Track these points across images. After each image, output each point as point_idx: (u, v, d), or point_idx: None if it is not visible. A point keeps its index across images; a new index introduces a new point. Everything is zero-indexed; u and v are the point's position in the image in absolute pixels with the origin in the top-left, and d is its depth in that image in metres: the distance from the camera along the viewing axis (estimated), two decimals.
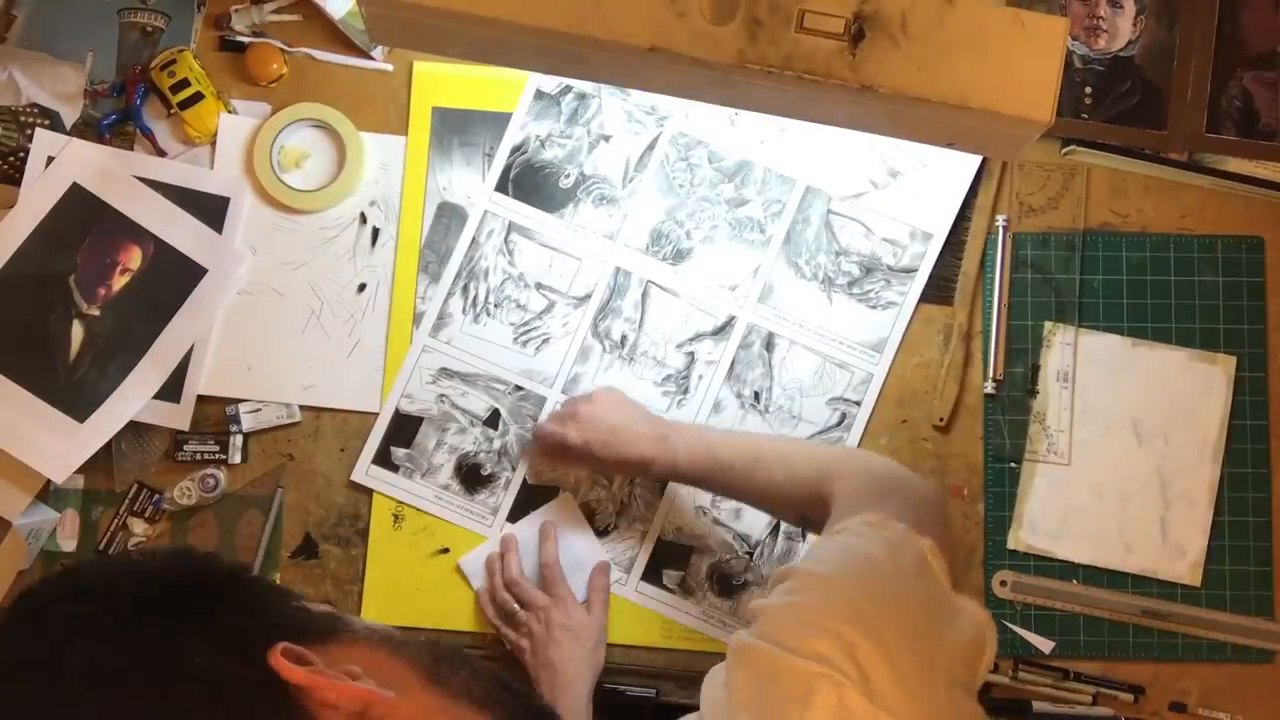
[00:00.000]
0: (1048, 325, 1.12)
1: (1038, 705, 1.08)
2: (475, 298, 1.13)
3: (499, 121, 1.15)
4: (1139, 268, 1.12)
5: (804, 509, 0.90)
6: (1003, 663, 1.09)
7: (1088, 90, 1.12)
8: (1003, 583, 1.09)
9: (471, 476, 1.12)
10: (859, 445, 1.11)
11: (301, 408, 1.13)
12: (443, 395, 1.13)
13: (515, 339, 1.13)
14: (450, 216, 1.14)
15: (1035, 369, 1.11)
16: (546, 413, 1.12)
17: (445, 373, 1.13)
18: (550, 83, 1.14)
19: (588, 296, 1.13)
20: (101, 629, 0.55)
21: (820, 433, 1.11)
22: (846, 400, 1.12)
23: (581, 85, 1.14)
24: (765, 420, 1.12)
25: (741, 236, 1.13)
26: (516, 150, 1.14)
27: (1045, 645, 1.09)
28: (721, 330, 1.13)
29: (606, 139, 1.14)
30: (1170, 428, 1.10)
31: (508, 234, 1.14)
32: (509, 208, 1.14)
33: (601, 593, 1.09)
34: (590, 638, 1.05)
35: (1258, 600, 1.09)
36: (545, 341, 1.13)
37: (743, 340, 1.13)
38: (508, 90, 1.15)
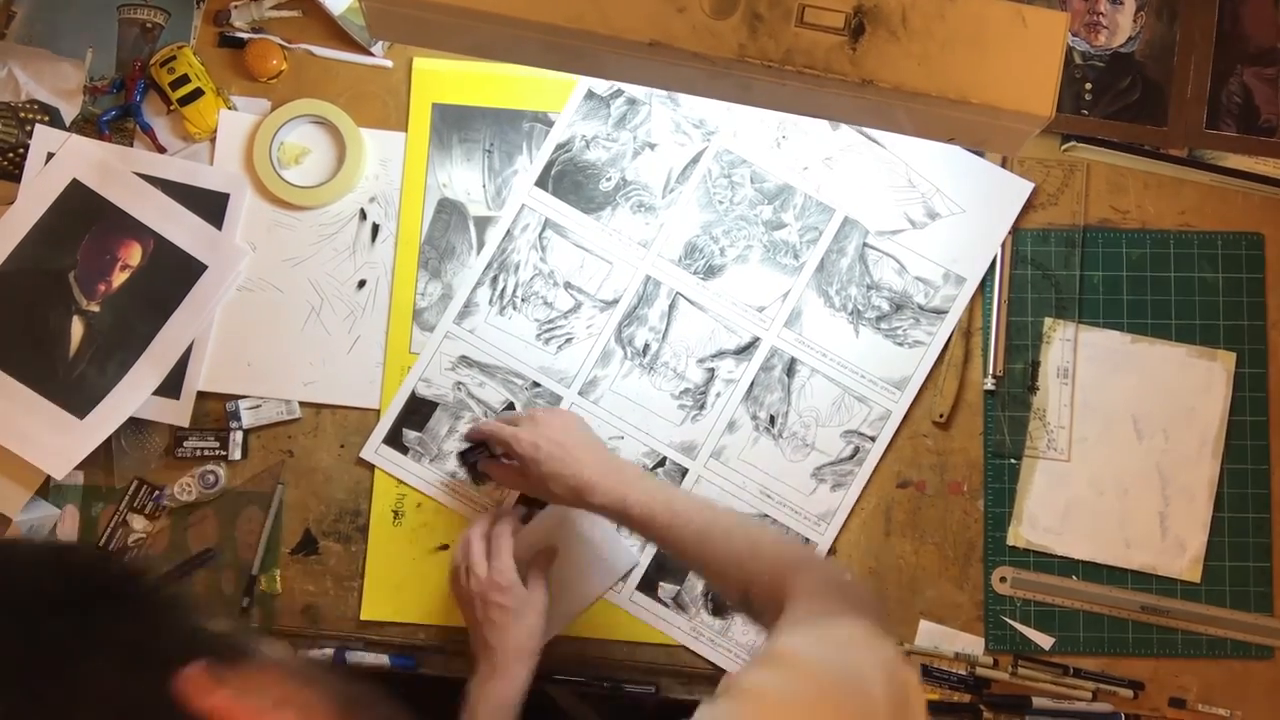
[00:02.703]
0: (1048, 321, 1.12)
1: (1037, 701, 1.08)
2: (503, 290, 1.13)
3: (499, 118, 1.15)
4: (1139, 264, 1.12)
5: (751, 588, 0.87)
6: (1002, 659, 1.09)
7: (1088, 86, 1.12)
8: (1002, 579, 1.09)
9: (477, 468, 1.12)
10: (870, 478, 1.10)
11: (301, 404, 1.13)
12: (460, 383, 1.13)
13: (538, 335, 1.13)
14: (450, 213, 1.14)
15: (1035, 365, 1.11)
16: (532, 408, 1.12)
17: (465, 361, 1.13)
18: (601, 85, 1.14)
19: (615, 301, 1.13)
20: None
21: (831, 464, 1.11)
22: (861, 434, 1.11)
23: (633, 90, 1.14)
24: (778, 445, 1.11)
25: (775, 259, 1.12)
26: (561, 147, 1.14)
27: (1045, 641, 1.09)
28: (745, 350, 1.12)
29: (652, 147, 1.14)
30: (1170, 424, 1.10)
31: (543, 230, 1.13)
32: (547, 204, 1.14)
33: (541, 573, 1.05)
34: (531, 614, 1.01)
35: (1257, 596, 1.09)
36: (568, 341, 1.13)
37: (764, 362, 1.12)
38: (508, 87, 1.15)
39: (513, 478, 1.06)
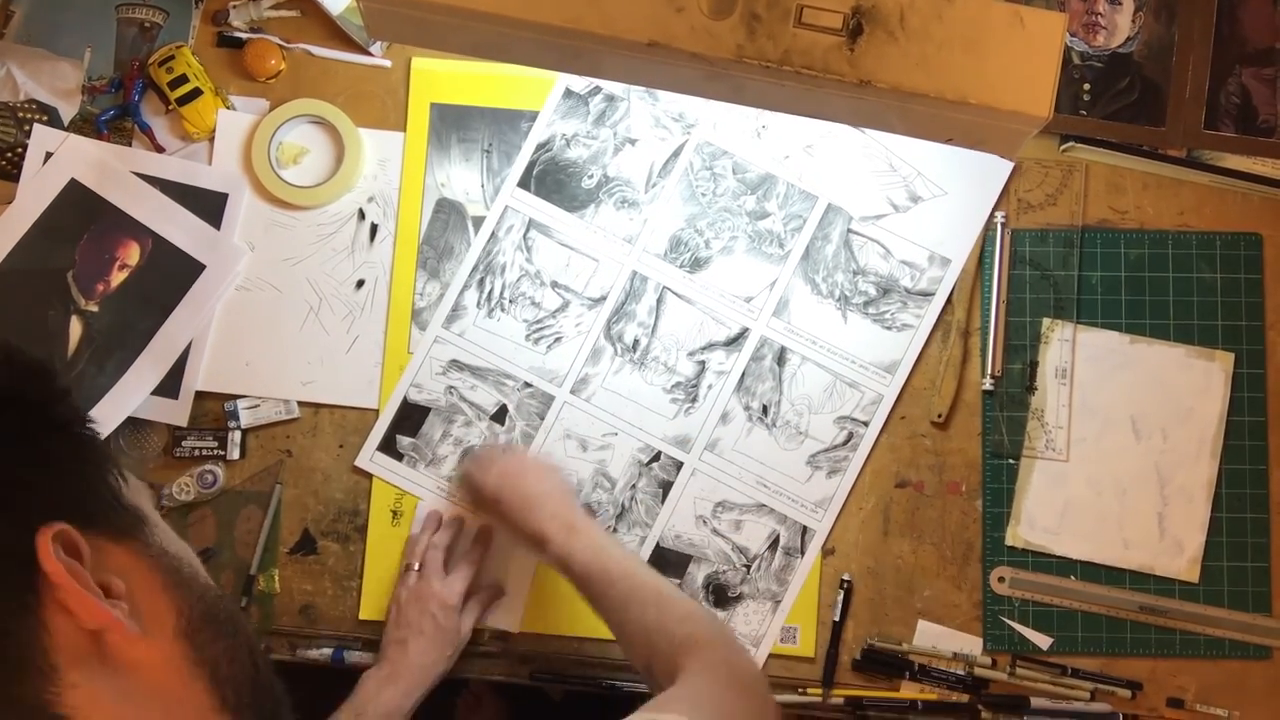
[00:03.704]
0: (1046, 322, 1.12)
1: (1036, 701, 1.08)
2: (490, 292, 1.13)
3: (498, 118, 1.15)
4: (1137, 264, 1.12)
5: (653, 661, 0.88)
6: (1001, 659, 1.09)
7: (1086, 87, 1.12)
8: (1001, 579, 1.09)
9: None
10: (864, 464, 1.11)
11: (300, 404, 1.13)
12: (452, 387, 1.13)
13: (527, 336, 1.13)
14: (449, 212, 1.14)
15: (1033, 365, 1.11)
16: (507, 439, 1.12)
17: (455, 365, 1.13)
18: (579, 82, 1.14)
19: (603, 298, 1.13)
20: None
21: (825, 450, 1.11)
22: (855, 420, 1.11)
23: (611, 87, 1.14)
24: (771, 435, 1.11)
25: (760, 249, 1.12)
26: (541, 147, 1.14)
27: (1043, 641, 1.09)
28: (734, 341, 1.12)
29: (632, 142, 1.13)
30: (1168, 424, 1.10)
31: (527, 230, 1.13)
32: (530, 204, 1.14)
33: (479, 608, 1.08)
34: (452, 645, 1.04)
35: (1255, 596, 1.09)
36: (557, 340, 1.13)
37: (755, 353, 1.12)
38: (506, 87, 1.14)
39: (479, 507, 1.09)
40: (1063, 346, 1.11)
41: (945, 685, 1.08)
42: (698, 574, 1.10)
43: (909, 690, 1.09)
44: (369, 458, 1.12)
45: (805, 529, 1.10)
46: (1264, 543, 1.09)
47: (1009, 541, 1.10)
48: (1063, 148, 1.13)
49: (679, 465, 1.11)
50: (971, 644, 1.09)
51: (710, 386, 1.12)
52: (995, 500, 1.10)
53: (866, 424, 1.11)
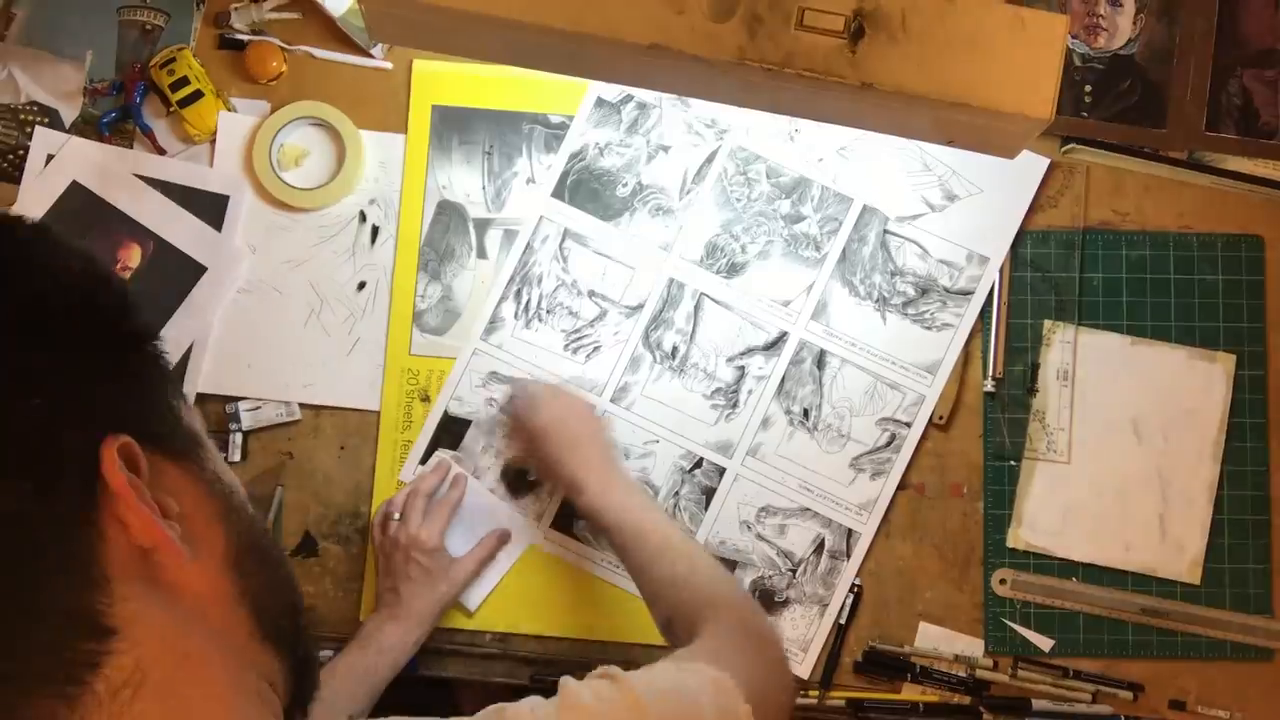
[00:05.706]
0: (1047, 323, 1.12)
1: (1037, 704, 1.08)
2: (527, 303, 1.13)
3: (499, 119, 1.15)
4: (1138, 266, 1.12)
5: (673, 617, 0.89)
6: (1002, 661, 1.09)
7: (1087, 88, 1.12)
8: (1002, 581, 1.09)
9: (518, 481, 1.12)
10: (908, 467, 1.10)
11: (301, 406, 1.13)
12: (492, 399, 1.12)
13: (566, 346, 1.13)
14: (450, 215, 1.14)
15: (1035, 367, 1.11)
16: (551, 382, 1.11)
17: (495, 376, 1.13)
18: (611, 91, 1.14)
19: (640, 306, 1.13)
20: None
21: (868, 453, 1.10)
22: (897, 421, 1.11)
23: (643, 95, 1.13)
24: (814, 438, 1.11)
25: (797, 253, 1.12)
26: (575, 157, 1.14)
27: (1045, 643, 1.09)
28: (773, 346, 1.12)
29: (665, 150, 1.13)
30: (1170, 426, 1.10)
31: (563, 240, 1.13)
32: (565, 214, 1.13)
33: (484, 553, 1.08)
34: (443, 583, 1.05)
35: (1256, 598, 1.09)
36: (596, 350, 1.13)
37: (794, 356, 1.12)
38: (508, 88, 1.15)
39: (520, 441, 1.09)
40: (1064, 348, 1.11)
41: (947, 687, 1.08)
42: (744, 580, 1.10)
43: (910, 692, 1.09)
44: (411, 472, 1.12)
45: (850, 532, 1.10)
46: (1265, 544, 1.09)
47: (1010, 543, 1.10)
48: (1064, 149, 1.13)
49: (721, 471, 1.11)
50: (973, 646, 1.09)
51: (750, 391, 1.12)
52: (997, 502, 1.10)
53: (909, 425, 1.11)
